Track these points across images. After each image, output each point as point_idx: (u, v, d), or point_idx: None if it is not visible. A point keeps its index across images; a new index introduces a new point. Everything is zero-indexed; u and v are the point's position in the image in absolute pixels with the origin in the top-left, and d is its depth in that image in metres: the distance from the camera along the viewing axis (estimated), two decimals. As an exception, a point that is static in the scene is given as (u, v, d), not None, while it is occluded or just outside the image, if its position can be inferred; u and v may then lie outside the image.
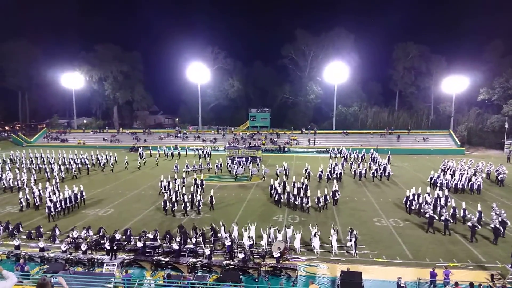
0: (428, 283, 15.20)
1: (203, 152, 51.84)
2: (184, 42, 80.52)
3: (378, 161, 42.98)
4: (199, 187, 30.26)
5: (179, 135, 68.78)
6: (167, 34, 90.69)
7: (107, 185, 34.41)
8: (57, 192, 28.14)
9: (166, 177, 31.63)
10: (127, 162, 43.27)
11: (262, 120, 71.18)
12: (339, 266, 16.84)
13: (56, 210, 24.84)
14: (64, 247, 18.30)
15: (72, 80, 74.61)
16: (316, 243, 18.77)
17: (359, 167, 38.34)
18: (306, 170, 35.63)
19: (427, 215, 22.09)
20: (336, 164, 38.25)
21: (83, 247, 18.18)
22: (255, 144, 58.90)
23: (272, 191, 29.00)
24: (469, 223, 20.88)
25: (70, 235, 20.11)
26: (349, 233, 19.28)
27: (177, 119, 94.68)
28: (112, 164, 43.58)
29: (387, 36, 78.57)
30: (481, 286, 13.94)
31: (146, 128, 74.74)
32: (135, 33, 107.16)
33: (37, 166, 41.70)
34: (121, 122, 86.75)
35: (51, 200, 25.22)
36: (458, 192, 31.07)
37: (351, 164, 41.63)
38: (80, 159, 43.94)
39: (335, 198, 27.44)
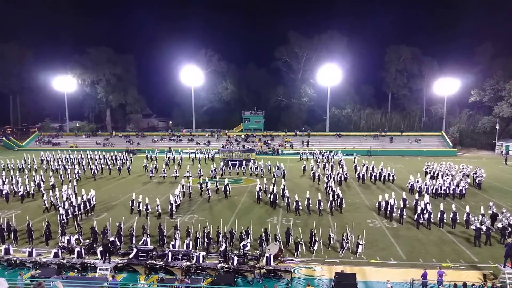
0: (421, 284, 15.25)
1: (207, 155, 52.24)
2: (178, 44, 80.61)
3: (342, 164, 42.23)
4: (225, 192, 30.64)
5: (172, 138, 68.59)
6: (160, 37, 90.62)
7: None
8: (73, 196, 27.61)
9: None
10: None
11: (256, 123, 71.28)
12: (334, 268, 16.86)
13: (75, 213, 24.57)
14: (56, 251, 18.11)
15: (64, 83, 74.12)
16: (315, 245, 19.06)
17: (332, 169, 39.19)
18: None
19: (472, 227, 20.79)
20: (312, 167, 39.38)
21: (77, 251, 17.97)
22: (248, 147, 58.89)
23: (267, 194, 29.05)
24: (473, 226, 20.69)
25: (62, 239, 19.93)
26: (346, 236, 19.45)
27: (170, 122, 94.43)
28: (128, 168, 42.70)
29: (379, 38, 79.36)
30: (474, 286, 14.04)
31: (140, 131, 74.43)
32: (128, 36, 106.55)
33: (62, 167, 42.64)
34: (114, 125, 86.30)
35: (70, 203, 25.13)
36: (440, 196, 29.89)
37: (324, 165, 42.01)
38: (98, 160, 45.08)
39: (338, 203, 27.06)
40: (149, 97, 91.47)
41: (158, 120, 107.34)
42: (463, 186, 30.70)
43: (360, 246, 18.68)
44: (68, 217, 23.82)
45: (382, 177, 36.74)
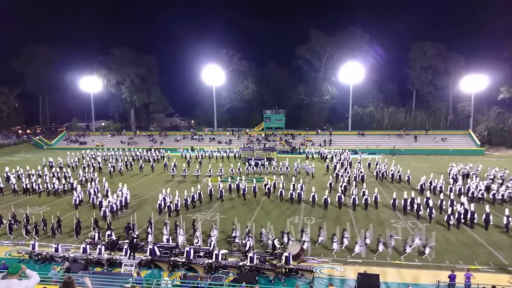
0: (447, 286, 14.87)
1: (228, 153, 52.75)
2: (199, 44, 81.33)
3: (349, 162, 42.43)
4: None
5: (194, 137, 69.35)
6: (182, 37, 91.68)
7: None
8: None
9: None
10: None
11: (277, 121, 71.08)
12: (356, 268, 16.67)
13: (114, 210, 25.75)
14: (84, 246, 18.69)
15: (90, 83, 76.17)
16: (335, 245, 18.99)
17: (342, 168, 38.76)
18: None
19: None
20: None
21: (99, 247, 18.46)
22: (270, 146, 58.85)
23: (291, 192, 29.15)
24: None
25: (90, 235, 20.55)
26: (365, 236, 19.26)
27: (192, 121, 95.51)
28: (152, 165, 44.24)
29: (403, 35, 77.32)
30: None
31: (162, 130, 75.61)
32: (150, 37, 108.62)
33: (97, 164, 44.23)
34: (138, 124, 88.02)
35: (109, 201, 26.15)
36: (479, 201, 27.57)
37: (335, 165, 40.67)
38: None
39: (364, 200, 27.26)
40: (172, 97, 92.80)
41: (180, 119, 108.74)
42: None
43: (428, 248, 18.33)
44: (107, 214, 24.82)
45: (397, 176, 36.32)
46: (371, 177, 38.40)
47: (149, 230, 20.58)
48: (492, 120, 67.34)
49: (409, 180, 34.36)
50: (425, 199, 25.79)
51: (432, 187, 30.54)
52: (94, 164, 44.80)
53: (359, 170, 36.88)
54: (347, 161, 43.59)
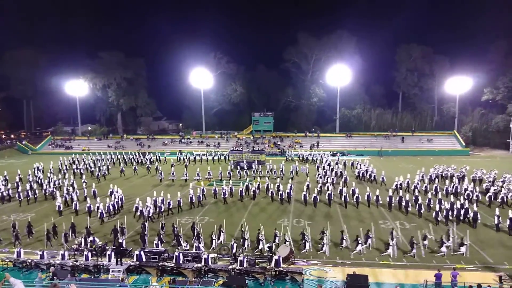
0: (434, 286, 15.04)
1: (217, 156, 53.21)
2: (187, 47, 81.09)
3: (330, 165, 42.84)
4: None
5: (183, 140, 68.99)
6: (170, 40, 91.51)
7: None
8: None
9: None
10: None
11: (265, 124, 71.24)
12: (345, 269, 16.75)
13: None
14: (69, 254, 18.36)
15: (76, 87, 75.28)
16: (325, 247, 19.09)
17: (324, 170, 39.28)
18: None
19: None
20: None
21: (86, 253, 18.14)
22: (258, 148, 58.88)
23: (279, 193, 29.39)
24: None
25: (76, 242, 20.20)
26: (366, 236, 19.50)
27: (180, 125, 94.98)
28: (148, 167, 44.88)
29: (389, 38, 78.58)
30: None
31: (150, 134, 75.00)
32: (138, 40, 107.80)
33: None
34: (125, 128, 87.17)
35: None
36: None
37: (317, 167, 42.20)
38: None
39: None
40: (160, 100, 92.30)
41: (168, 122, 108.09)
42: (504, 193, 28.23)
43: (464, 247, 18.49)
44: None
45: (372, 177, 37.04)
46: (351, 176, 39.00)
47: (146, 232, 20.64)
48: (476, 121, 68.70)
49: (383, 180, 34.83)
50: (414, 197, 26.67)
51: (408, 186, 31.86)
52: (87, 168, 44.71)
53: (340, 170, 38.54)
54: (327, 163, 44.11)
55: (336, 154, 55.03)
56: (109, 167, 45.07)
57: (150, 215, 25.26)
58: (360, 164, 41.31)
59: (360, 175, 38.47)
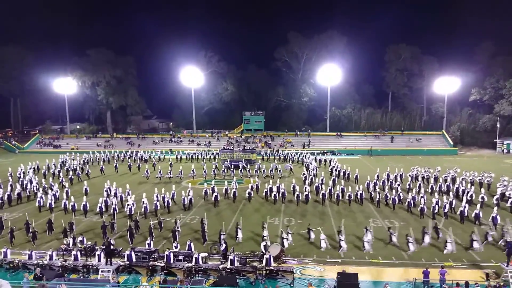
0: (423, 283, 15.24)
1: (206, 156, 53.50)
2: (177, 46, 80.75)
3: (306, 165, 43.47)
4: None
5: (173, 139, 68.64)
6: (160, 38, 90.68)
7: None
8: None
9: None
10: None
11: (256, 123, 71.28)
12: (336, 268, 16.85)
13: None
14: (57, 254, 18.12)
15: (65, 85, 74.26)
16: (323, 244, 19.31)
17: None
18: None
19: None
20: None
21: (74, 253, 17.92)
22: (249, 147, 58.85)
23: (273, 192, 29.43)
24: (502, 242, 18.18)
25: (65, 241, 19.94)
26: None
27: (171, 123, 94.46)
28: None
29: (379, 38, 79.45)
30: (477, 285, 14.00)
31: (140, 133, 74.44)
32: (128, 38, 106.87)
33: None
34: (115, 127, 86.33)
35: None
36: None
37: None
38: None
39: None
40: (150, 99, 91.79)
41: (158, 121, 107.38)
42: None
43: (449, 244, 18.69)
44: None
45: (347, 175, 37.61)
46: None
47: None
48: (464, 120, 69.77)
49: (356, 179, 35.19)
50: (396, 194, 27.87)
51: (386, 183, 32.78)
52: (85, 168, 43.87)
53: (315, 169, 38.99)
54: (306, 162, 44.58)
55: (336, 153, 55.53)
56: (103, 166, 44.48)
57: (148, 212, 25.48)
58: (336, 163, 41.74)
59: (336, 172, 38.84)
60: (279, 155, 53.47)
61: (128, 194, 28.08)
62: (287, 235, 19.80)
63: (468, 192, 27.83)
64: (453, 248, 18.62)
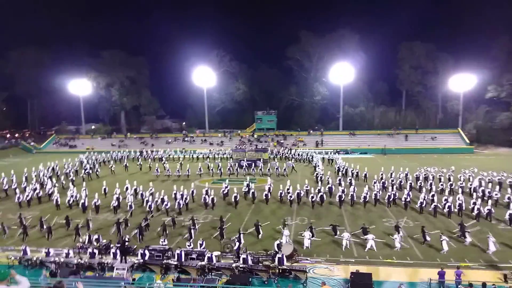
0: (438, 284, 15.01)
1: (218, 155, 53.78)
2: (189, 46, 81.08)
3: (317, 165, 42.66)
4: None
5: (186, 139, 69.09)
6: (172, 39, 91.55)
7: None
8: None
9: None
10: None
11: (268, 122, 71.24)
12: (349, 268, 16.74)
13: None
14: (73, 252, 18.45)
15: (80, 86, 75.53)
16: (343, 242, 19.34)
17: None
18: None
19: None
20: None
21: (90, 251, 18.22)
22: (261, 147, 58.83)
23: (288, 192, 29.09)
24: None
25: (81, 239, 20.30)
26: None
27: (184, 123, 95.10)
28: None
29: (392, 35, 78.10)
30: (494, 286, 13.73)
31: (153, 133, 75.17)
32: (140, 39, 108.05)
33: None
34: (129, 127, 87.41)
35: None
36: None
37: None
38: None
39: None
40: (163, 99, 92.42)
41: (171, 121, 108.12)
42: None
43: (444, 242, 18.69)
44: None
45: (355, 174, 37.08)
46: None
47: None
48: (480, 118, 68.35)
49: (365, 177, 35.24)
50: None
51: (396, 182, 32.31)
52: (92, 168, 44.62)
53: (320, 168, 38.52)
54: (312, 162, 44.31)
55: (349, 152, 55.23)
56: (113, 165, 45.09)
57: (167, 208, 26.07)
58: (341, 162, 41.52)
59: (343, 171, 38.33)
60: (293, 155, 53.13)
61: (154, 193, 28.51)
62: (310, 234, 19.81)
63: (492, 193, 27.37)
64: (496, 247, 18.34)
